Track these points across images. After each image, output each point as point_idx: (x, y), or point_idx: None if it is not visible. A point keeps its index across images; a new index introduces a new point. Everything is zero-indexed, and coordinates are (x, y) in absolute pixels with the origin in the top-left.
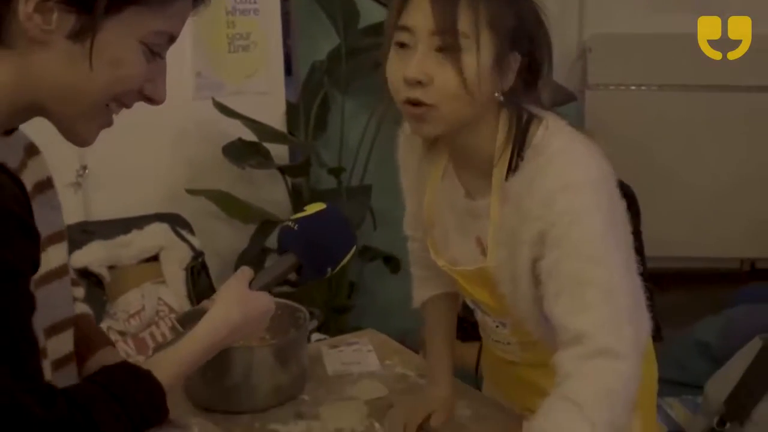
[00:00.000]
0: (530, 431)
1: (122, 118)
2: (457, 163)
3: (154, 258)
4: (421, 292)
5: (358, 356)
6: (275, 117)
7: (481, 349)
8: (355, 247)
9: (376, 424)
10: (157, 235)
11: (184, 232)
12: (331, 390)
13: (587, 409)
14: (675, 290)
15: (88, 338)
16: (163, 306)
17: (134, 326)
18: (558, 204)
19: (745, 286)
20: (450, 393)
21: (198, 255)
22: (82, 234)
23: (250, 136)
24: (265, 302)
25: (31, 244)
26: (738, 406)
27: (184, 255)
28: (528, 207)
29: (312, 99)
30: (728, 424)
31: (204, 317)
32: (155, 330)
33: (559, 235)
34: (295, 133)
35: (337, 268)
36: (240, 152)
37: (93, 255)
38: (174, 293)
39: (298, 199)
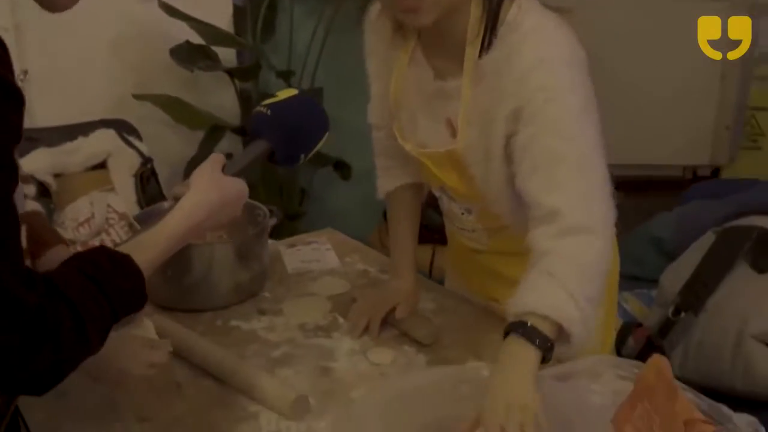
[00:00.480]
0: (515, 308)
1: (65, 20)
2: (426, 45)
3: (102, 165)
4: (386, 182)
5: (317, 254)
6: (222, 19)
7: (434, 252)
8: (327, 133)
9: (340, 319)
10: (103, 142)
11: (131, 138)
12: (292, 287)
13: (567, 284)
14: (621, 196)
15: (39, 236)
16: (113, 213)
17: (84, 234)
18: (533, 80)
19: (696, 183)
20: (413, 285)
21: (147, 161)
22: (25, 141)
23: (197, 39)
24: (240, 186)
25: (15, 107)
26: (692, 296)
27: (133, 161)
28: (503, 84)
29: (259, 1)
30: (683, 314)
31: (181, 201)
32: (105, 237)
33: (534, 112)
34: (242, 36)
35: (310, 154)
36: (188, 55)
37: (38, 163)
38: (123, 200)
39: (247, 104)
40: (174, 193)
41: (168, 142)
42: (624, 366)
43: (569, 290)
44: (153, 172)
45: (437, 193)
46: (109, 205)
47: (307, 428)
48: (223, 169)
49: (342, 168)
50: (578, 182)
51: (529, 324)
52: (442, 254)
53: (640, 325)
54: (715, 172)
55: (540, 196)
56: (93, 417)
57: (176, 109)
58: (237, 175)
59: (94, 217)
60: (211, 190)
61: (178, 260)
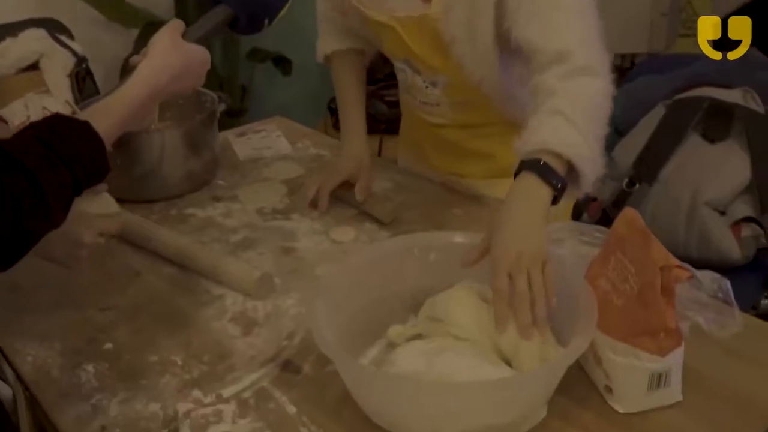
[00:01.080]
0: (525, 146)
1: None
2: None
3: (34, 66)
4: (326, 43)
5: (268, 141)
6: None
7: (381, 141)
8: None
9: (298, 201)
10: (34, 42)
11: (63, 38)
12: (245, 174)
13: (578, 122)
14: None
15: None
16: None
17: None
18: None
19: (643, 60)
20: (365, 151)
21: (81, 61)
22: None
23: None
24: (203, 53)
25: None
26: (645, 168)
27: (67, 61)
28: None
29: None
30: (637, 185)
31: (139, 66)
32: None
33: None
34: None
35: (275, 20)
36: None
37: None
38: (60, 102)
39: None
40: (131, 62)
41: (102, 42)
42: (587, 231)
43: (579, 129)
44: (88, 72)
45: (399, 66)
46: (45, 108)
47: (274, 306)
48: (183, 36)
49: (282, 63)
50: (578, 25)
51: (542, 161)
52: (389, 144)
53: (594, 199)
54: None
55: (542, 42)
56: (53, 309)
57: (109, 6)
58: (198, 42)
59: (30, 120)
60: (171, 54)
61: (127, 149)
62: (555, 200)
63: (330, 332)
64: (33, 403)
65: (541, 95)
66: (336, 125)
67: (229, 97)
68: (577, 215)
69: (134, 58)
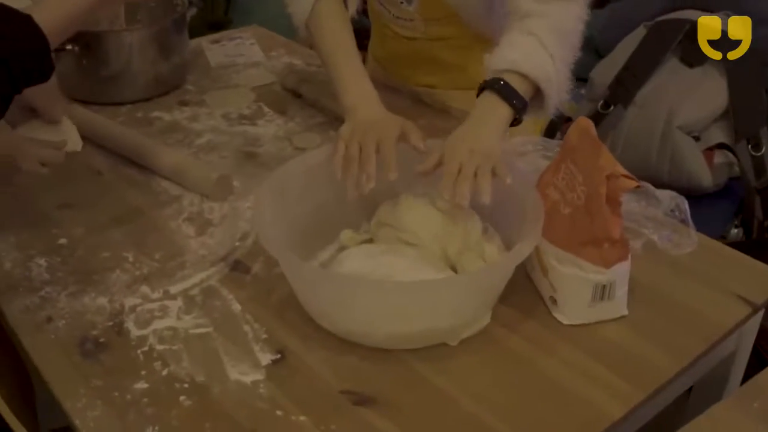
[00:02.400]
0: (493, 64)
1: None
2: None
3: None
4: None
5: (241, 49)
6: None
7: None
8: None
9: (265, 108)
10: None
11: None
12: (215, 79)
13: (548, 45)
14: None
15: None
16: None
17: None
18: None
19: None
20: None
21: None
22: None
23: None
24: None
25: None
26: (622, 89)
27: None
28: None
29: None
30: (612, 107)
31: None
32: None
33: None
34: None
35: None
36: None
37: None
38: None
39: None
40: None
41: None
42: (550, 146)
43: (550, 51)
44: None
45: None
46: None
47: (231, 209)
48: None
49: None
50: None
51: (503, 81)
52: None
53: (569, 119)
54: None
55: None
56: (11, 204)
57: None
58: None
59: None
60: None
61: (95, 51)
62: (515, 121)
63: (278, 231)
64: None
65: (516, 15)
66: None
67: (213, 8)
68: (551, 134)
69: None
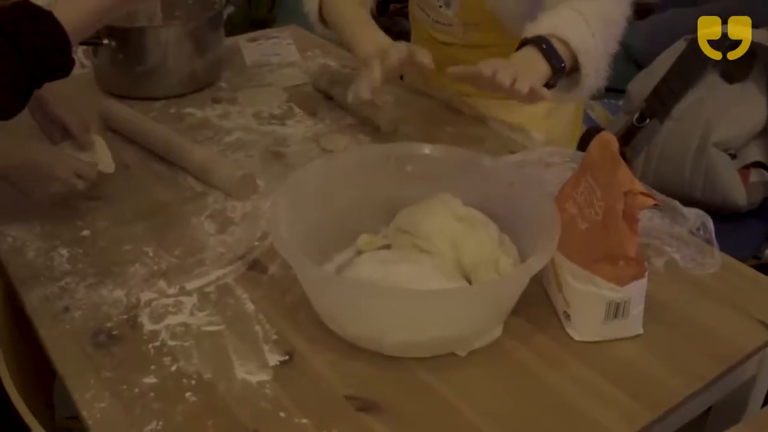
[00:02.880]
0: (536, 29)
1: None
2: None
3: None
4: None
5: (277, 48)
6: None
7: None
8: None
9: (296, 108)
10: None
11: None
12: (249, 78)
13: (591, 22)
14: None
15: None
16: None
17: None
18: None
19: None
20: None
21: None
22: None
23: None
24: None
25: None
26: (659, 103)
27: None
28: None
29: None
30: (648, 121)
31: None
32: None
33: None
34: None
35: None
36: None
37: None
38: None
39: None
40: None
41: None
42: (578, 159)
43: (592, 30)
44: None
45: None
46: None
47: (253, 208)
48: None
49: None
50: None
51: (548, 40)
52: None
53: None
54: None
55: None
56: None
57: None
58: None
59: None
60: None
61: (131, 46)
62: (548, 85)
63: (294, 233)
64: (7, 282)
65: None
66: None
67: (257, 6)
68: (584, 146)
69: None
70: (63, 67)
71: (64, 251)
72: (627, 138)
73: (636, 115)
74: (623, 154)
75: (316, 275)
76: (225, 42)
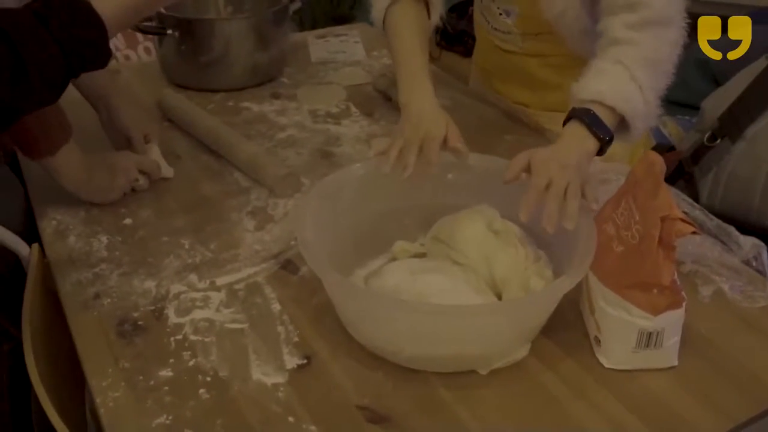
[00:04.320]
0: (580, 93)
1: None
2: None
3: None
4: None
5: (344, 46)
6: None
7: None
8: None
9: (353, 107)
10: None
11: None
12: (311, 75)
13: (638, 75)
14: None
15: None
16: None
17: None
18: None
19: (759, 8)
20: (434, 102)
21: None
22: None
23: None
24: None
25: None
26: (732, 122)
27: None
28: None
29: None
30: (719, 140)
31: None
32: None
33: None
34: None
35: None
36: None
37: None
38: None
39: None
40: None
41: None
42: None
43: (639, 82)
44: None
45: None
46: None
47: (294, 206)
48: None
49: None
50: None
51: (592, 112)
52: None
53: (673, 148)
54: None
55: None
56: None
57: None
58: None
59: None
60: None
61: (194, 37)
62: (600, 151)
63: (324, 237)
64: (46, 264)
65: (606, 38)
66: (439, 43)
67: (339, 3)
68: None
69: None
70: (100, 58)
71: (104, 238)
72: (696, 157)
73: (707, 134)
74: (691, 174)
75: (336, 283)
76: (292, 37)
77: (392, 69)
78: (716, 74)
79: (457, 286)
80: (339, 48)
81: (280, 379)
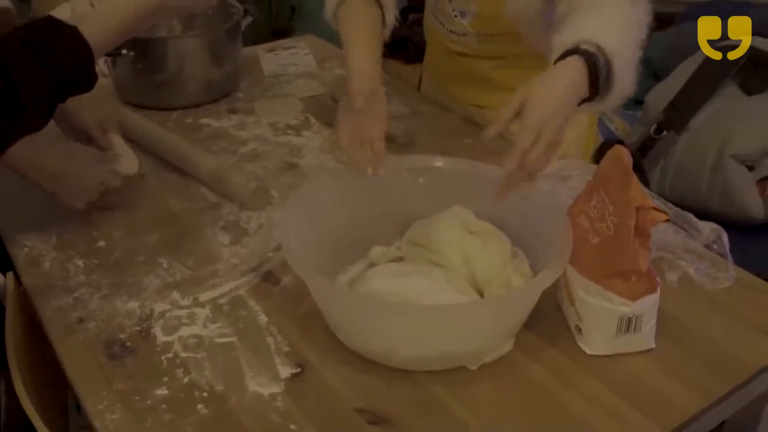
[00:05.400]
0: (571, 36)
1: None
2: None
3: None
4: None
5: (295, 59)
6: None
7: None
8: None
9: (312, 119)
10: None
11: None
12: (266, 88)
13: (619, 26)
14: None
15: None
16: None
17: None
18: None
19: (694, 3)
20: (376, 69)
21: None
22: None
23: None
24: None
25: None
26: (676, 114)
27: None
28: None
29: None
30: (665, 132)
31: None
32: None
33: None
34: None
35: None
36: None
37: None
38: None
39: None
40: None
41: None
42: (592, 171)
43: (621, 34)
44: None
45: None
46: (92, 4)
47: (267, 219)
48: None
49: None
50: None
51: (593, 51)
52: None
53: (620, 142)
54: None
55: None
56: (54, 204)
57: None
58: None
59: None
60: None
61: (148, 55)
62: (586, 99)
63: (306, 244)
64: (23, 291)
65: (582, 4)
66: (385, 54)
67: (277, 15)
68: (600, 158)
69: None
70: (87, 81)
71: (80, 262)
72: (644, 149)
73: (653, 127)
74: (640, 166)
75: (326, 289)
76: (244, 52)
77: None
78: (657, 69)
79: (440, 286)
80: (290, 60)
81: (276, 389)
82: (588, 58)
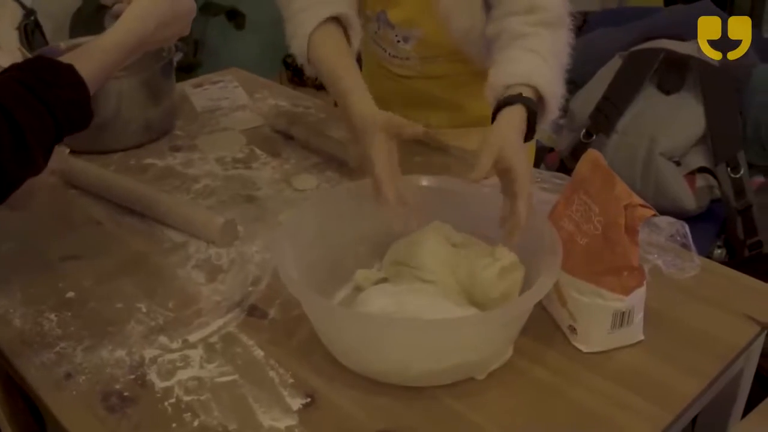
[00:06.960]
0: (506, 78)
1: None
2: None
3: None
4: (306, 21)
5: (225, 92)
6: None
7: None
8: None
9: (257, 150)
10: None
11: None
12: (204, 124)
13: (549, 61)
14: None
15: None
16: None
17: None
18: None
19: (595, 13)
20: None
21: (30, 13)
22: None
23: None
24: (191, 1)
25: None
26: (603, 118)
27: (15, 14)
28: None
29: None
30: (594, 136)
31: (127, 11)
32: None
33: None
34: None
35: None
36: None
37: None
38: (9, 56)
39: None
40: (113, 11)
41: None
42: (546, 178)
43: (551, 68)
44: (37, 24)
45: (370, 16)
46: (20, 50)
47: (238, 254)
48: None
49: (236, 17)
50: None
51: (523, 94)
52: None
53: (552, 149)
54: None
55: None
56: (13, 259)
57: None
58: None
59: None
60: (159, 1)
61: None
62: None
63: (297, 275)
64: None
65: (508, 36)
66: (292, 79)
67: (184, 45)
68: (535, 165)
69: (117, 7)
70: (84, 119)
71: (52, 316)
72: (575, 154)
73: (582, 132)
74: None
75: (335, 314)
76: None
77: (284, 109)
78: (574, 77)
79: (437, 301)
80: (220, 95)
81: (290, 421)
82: (528, 104)
